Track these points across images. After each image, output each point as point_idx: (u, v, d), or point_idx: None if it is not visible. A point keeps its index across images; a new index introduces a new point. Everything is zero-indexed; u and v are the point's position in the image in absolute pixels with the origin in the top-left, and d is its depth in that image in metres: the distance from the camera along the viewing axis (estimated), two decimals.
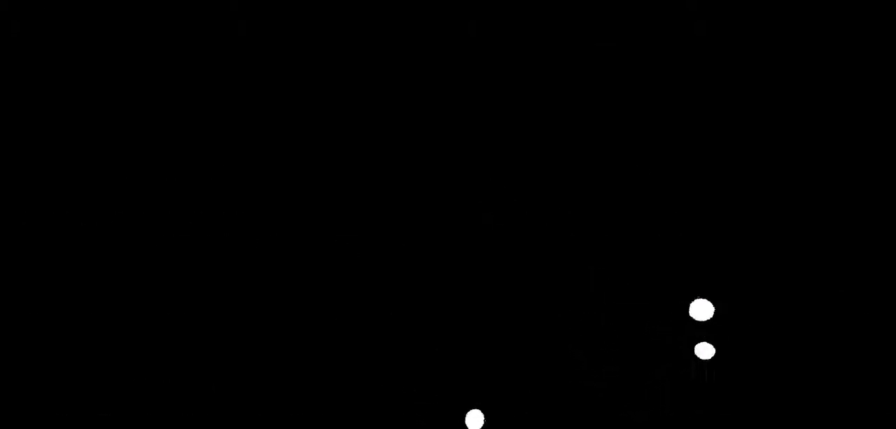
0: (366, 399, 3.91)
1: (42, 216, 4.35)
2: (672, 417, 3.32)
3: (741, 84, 3.67)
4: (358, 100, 4.21)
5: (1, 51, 4.33)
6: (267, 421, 4.10)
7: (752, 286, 3.44)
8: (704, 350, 3.31)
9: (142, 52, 4.33)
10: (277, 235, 4.29)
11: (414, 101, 4.17)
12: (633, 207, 3.65)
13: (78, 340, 4.31)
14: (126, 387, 4.29)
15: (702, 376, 3.30)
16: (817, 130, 3.60)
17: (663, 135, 3.74)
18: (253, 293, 4.26)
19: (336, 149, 4.22)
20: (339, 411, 3.95)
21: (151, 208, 4.33)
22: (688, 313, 3.36)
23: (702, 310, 3.34)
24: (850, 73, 3.62)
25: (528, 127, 3.99)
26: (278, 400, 4.10)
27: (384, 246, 4.07)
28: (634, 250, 3.59)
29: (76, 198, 4.34)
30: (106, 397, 4.30)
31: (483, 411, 3.63)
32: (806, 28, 3.67)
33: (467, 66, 4.13)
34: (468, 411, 3.65)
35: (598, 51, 3.90)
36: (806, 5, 3.68)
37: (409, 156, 4.14)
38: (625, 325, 3.49)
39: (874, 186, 3.51)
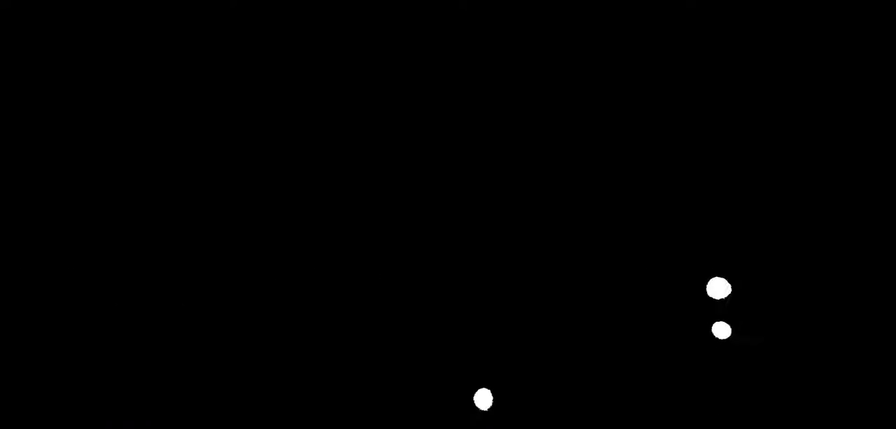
0: (378, 384, 3.92)
1: (42, 216, 4.34)
2: (688, 393, 3.35)
3: (753, 71, 3.69)
4: (358, 100, 4.23)
5: (1, 51, 4.32)
6: (275, 408, 4.11)
7: (769, 266, 3.46)
8: (721, 330, 3.33)
9: (142, 51, 4.33)
10: (279, 234, 4.30)
11: (414, 101, 4.18)
12: (650, 188, 3.67)
13: (78, 340, 4.31)
14: (127, 387, 4.29)
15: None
16: (831, 113, 3.62)
17: (679, 121, 3.76)
18: (257, 291, 4.27)
19: (336, 149, 4.23)
20: (355, 393, 3.97)
21: (151, 208, 4.32)
22: (705, 292, 3.40)
23: (719, 289, 3.37)
24: (858, 63, 3.64)
25: (535, 115, 3.99)
26: (283, 388, 4.12)
27: (393, 238, 4.09)
28: (651, 232, 3.61)
29: (76, 198, 4.33)
30: (106, 398, 4.30)
31: (491, 392, 3.64)
32: (811, 19, 3.70)
33: (467, 66, 4.15)
34: (477, 390, 3.67)
35: (613, 43, 3.90)
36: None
37: (409, 156, 4.16)
38: (642, 303, 3.51)
39: (887, 170, 3.54)
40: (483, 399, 3.62)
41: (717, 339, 3.35)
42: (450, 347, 3.88)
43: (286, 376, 4.21)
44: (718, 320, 3.39)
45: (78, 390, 4.31)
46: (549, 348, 3.70)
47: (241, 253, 4.33)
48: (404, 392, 3.90)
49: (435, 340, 3.93)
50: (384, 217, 4.10)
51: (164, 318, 4.34)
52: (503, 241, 3.90)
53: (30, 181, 4.34)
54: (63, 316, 4.33)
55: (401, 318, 4.00)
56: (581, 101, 3.83)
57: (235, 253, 4.34)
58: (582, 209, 3.79)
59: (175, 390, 4.31)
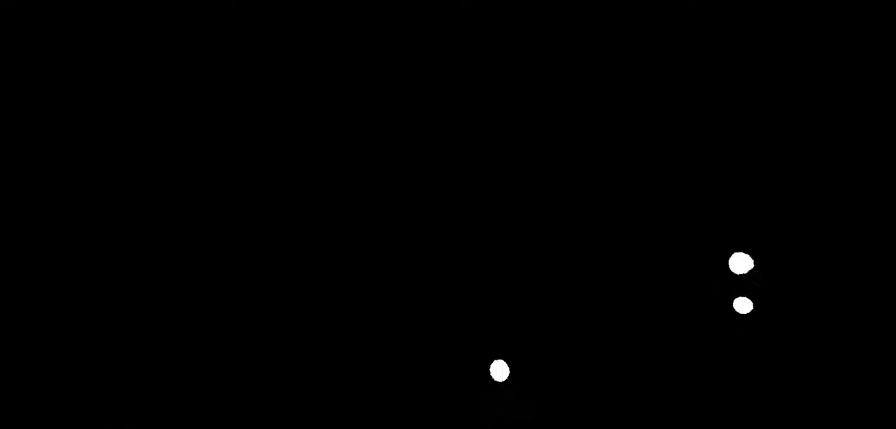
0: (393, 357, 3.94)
1: (42, 216, 4.32)
2: (707, 372, 3.40)
3: (765, 61, 3.72)
4: (358, 100, 4.25)
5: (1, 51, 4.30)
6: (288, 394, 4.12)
7: (791, 241, 3.51)
8: (742, 305, 3.38)
9: (142, 52, 4.33)
10: (279, 234, 4.31)
11: (414, 102, 4.22)
12: (673, 163, 3.69)
13: (78, 340, 4.29)
14: (127, 387, 4.28)
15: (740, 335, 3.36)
16: (851, 95, 3.63)
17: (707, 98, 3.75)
18: (257, 291, 4.28)
19: (336, 149, 4.25)
20: (368, 369, 3.98)
21: (151, 209, 4.32)
22: (727, 267, 3.46)
23: (740, 263, 3.42)
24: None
25: (557, 99, 4.01)
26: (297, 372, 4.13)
27: (405, 223, 4.11)
28: (674, 207, 3.63)
29: (76, 198, 4.32)
30: (106, 398, 4.28)
31: (508, 363, 3.67)
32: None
33: (467, 67, 4.19)
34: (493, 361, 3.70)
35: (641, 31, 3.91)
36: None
37: (411, 154, 4.19)
38: (663, 278, 3.55)
39: None
40: (499, 371, 3.65)
41: (739, 314, 3.41)
42: (466, 319, 3.90)
43: (287, 375, 4.21)
44: (740, 295, 3.43)
45: (78, 390, 4.28)
46: (567, 320, 3.73)
47: (241, 253, 4.33)
48: (420, 366, 3.92)
49: (451, 312, 3.95)
50: (396, 203, 4.13)
51: (164, 318, 4.32)
52: (521, 215, 3.93)
53: (30, 181, 4.32)
54: (63, 316, 4.31)
55: (416, 291, 4.02)
56: (598, 90, 3.89)
57: (235, 253, 4.33)
58: (601, 183, 3.83)
59: (175, 390, 4.30)
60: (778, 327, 3.39)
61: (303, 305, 4.20)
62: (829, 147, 3.58)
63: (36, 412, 4.26)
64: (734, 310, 3.42)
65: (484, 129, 4.05)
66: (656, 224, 3.71)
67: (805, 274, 3.46)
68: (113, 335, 4.30)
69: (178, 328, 4.30)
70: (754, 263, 3.44)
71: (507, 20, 4.11)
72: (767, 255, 3.47)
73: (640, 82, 3.83)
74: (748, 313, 3.38)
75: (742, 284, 3.43)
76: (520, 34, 4.06)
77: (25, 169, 4.33)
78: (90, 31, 4.30)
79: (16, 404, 4.24)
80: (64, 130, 4.34)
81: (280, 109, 4.30)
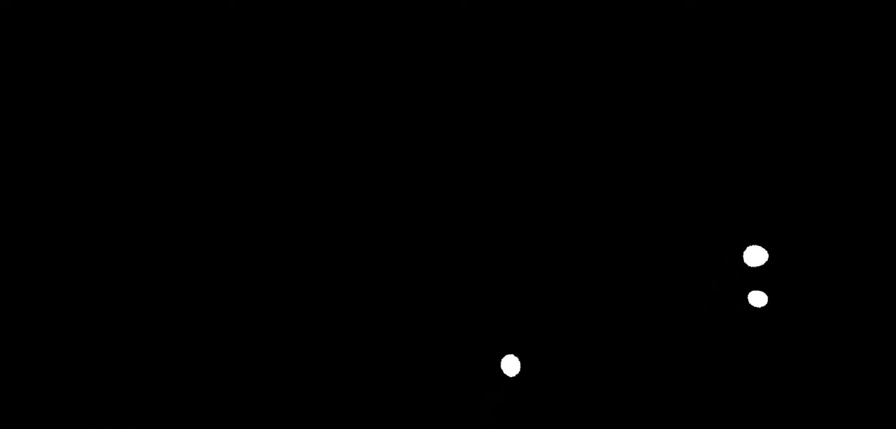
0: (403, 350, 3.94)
1: (42, 216, 4.31)
2: (721, 366, 3.43)
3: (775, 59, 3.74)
4: (358, 100, 4.27)
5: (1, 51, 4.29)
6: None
7: (806, 233, 3.54)
8: (758, 298, 3.42)
9: (142, 51, 4.33)
10: (279, 233, 4.32)
11: (414, 102, 4.24)
12: (687, 154, 3.70)
13: (78, 340, 4.27)
14: (127, 387, 4.27)
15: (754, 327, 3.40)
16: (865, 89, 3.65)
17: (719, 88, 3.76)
18: (257, 291, 4.28)
19: (336, 149, 4.27)
20: (376, 362, 3.97)
21: (151, 208, 4.31)
22: (742, 260, 3.49)
23: (755, 256, 3.46)
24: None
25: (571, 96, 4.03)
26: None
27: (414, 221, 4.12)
28: (688, 198, 3.65)
29: (76, 198, 4.31)
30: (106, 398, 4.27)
31: (519, 357, 3.68)
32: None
33: (467, 66, 4.21)
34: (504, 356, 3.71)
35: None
36: None
37: (418, 153, 4.21)
38: (677, 271, 3.57)
39: None
40: (510, 366, 3.67)
41: (754, 307, 3.44)
42: (477, 313, 3.92)
43: (288, 374, 4.21)
44: (755, 289, 3.47)
45: (78, 390, 4.27)
46: (579, 314, 3.75)
47: (242, 253, 4.33)
48: (430, 360, 3.93)
49: (461, 307, 3.96)
50: (406, 201, 4.15)
51: (164, 318, 4.32)
52: (531, 208, 3.95)
53: (30, 181, 4.30)
54: (63, 316, 4.30)
55: (427, 285, 4.03)
56: (611, 85, 3.91)
57: (235, 253, 4.33)
58: (614, 175, 3.85)
59: (175, 390, 4.30)
60: (793, 321, 3.44)
61: (304, 301, 4.21)
62: (845, 141, 3.62)
63: (36, 412, 4.24)
64: (749, 304, 3.46)
65: (503, 126, 4.08)
66: (671, 218, 3.73)
67: (821, 267, 3.49)
68: (113, 335, 4.29)
69: (178, 328, 4.29)
70: (769, 256, 3.48)
71: (510, 18, 4.14)
72: (783, 248, 3.52)
73: (654, 77, 3.87)
74: (763, 307, 3.42)
75: (757, 278, 3.46)
76: (527, 30, 4.08)
77: (26, 169, 4.32)
78: (90, 31, 4.30)
79: (16, 404, 4.23)
80: (64, 129, 4.33)
81: (280, 108, 4.31)
